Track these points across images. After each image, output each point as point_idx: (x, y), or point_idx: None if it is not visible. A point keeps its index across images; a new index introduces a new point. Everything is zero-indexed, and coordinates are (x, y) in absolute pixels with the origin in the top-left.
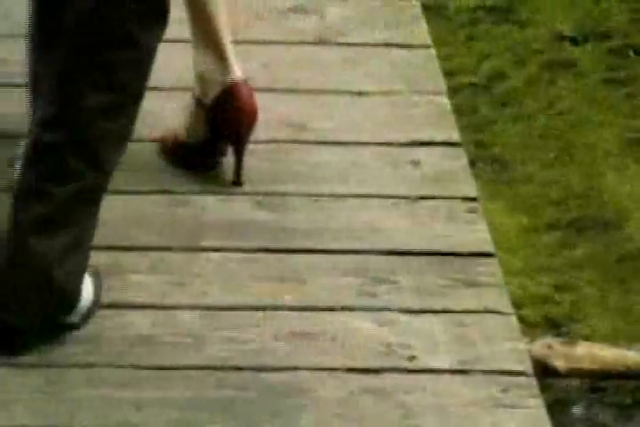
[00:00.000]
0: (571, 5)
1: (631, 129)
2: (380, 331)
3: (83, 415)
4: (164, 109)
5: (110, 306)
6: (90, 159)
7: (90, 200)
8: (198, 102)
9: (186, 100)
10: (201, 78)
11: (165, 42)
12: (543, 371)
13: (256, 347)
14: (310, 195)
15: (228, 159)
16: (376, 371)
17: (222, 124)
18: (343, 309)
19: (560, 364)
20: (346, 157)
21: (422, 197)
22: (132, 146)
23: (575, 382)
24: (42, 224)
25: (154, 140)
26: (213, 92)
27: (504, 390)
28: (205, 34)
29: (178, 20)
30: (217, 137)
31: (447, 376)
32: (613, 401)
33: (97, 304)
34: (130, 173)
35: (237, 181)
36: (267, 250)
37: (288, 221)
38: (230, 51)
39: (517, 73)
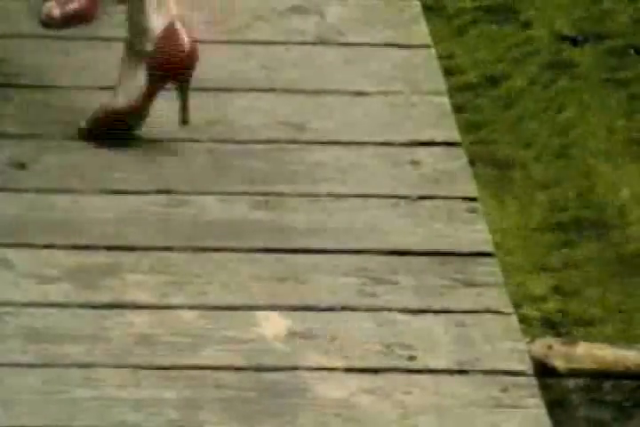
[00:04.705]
0: (571, 5)
1: (631, 129)
2: (379, 331)
3: (82, 415)
4: (161, 109)
5: (110, 306)
6: None
7: None
8: (138, 53)
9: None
10: (140, 28)
11: None
12: (543, 371)
13: (256, 347)
14: (310, 195)
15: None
16: (376, 371)
17: (165, 65)
18: (343, 309)
19: (560, 364)
20: (345, 157)
21: (422, 197)
22: (131, 146)
23: (575, 382)
24: None
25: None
26: (154, 37)
27: (504, 390)
28: None
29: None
30: (155, 87)
31: (447, 376)
32: (613, 401)
33: None
34: (130, 173)
35: (185, 120)
36: (267, 250)
37: (288, 221)
38: None
39: (517, 73)
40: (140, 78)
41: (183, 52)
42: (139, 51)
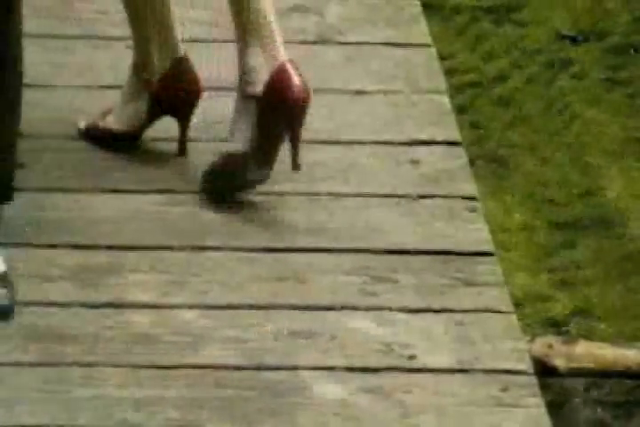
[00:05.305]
0: (571, 5)
1: (631, 128)
2: (380, 330)
3: (83, 415)
4: None
5: (110, 306)
6: None
7: None
8: (143, 80)
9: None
10: (144, 59)
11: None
12: (543, 370)
13: (256, 346)
14: (310, 194)
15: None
16: (376, 370)
17: (169, 101)
18: (343, 308)
19: (560, 363)
20: (346, 157)
21: (422, 197)
22: (131, 146)
23: (575, 382)
24: None
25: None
26: (159, 71)
27: (504, 390)
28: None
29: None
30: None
31: (447, 375)
32: (613, 400)
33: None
34: (130, 173)
35: (182, 151)
36: (267, 250)
37: (288, 220)
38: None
39: (517, 73)
40: (142, 105)
41: (187, 91)
42: (144, 79)
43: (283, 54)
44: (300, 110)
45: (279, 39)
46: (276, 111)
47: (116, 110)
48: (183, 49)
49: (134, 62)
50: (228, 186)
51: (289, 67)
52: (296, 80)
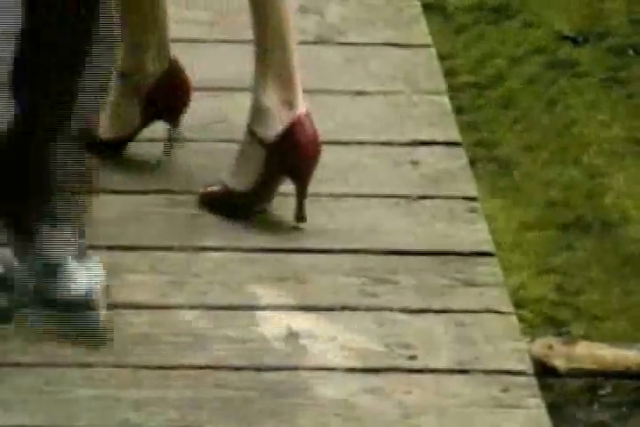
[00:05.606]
0: (571, 5)
1: (631, 128)
2: (380, 331)
3: (83, 415)
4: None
5: (110, 306)
6: None
7: None
8: (134, 84)
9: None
10: (139, 63)
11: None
12: (543, 371)
13: (256, 347)
14: (310, 195)
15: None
16: (376, 371)
17: (163, 103)
18: (343, 309)
19: (560, 363)
20: (346, 157)
21: (422, 197)
22: (131, 146)
23: (575, 382)
24: None
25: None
26: (154, 74)
27: (504, 390)
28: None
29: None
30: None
31: (447, 376)
32: (613, 401)
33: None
34: (130, 173)
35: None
36: (267, 250)
37: (288, 221)
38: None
39: (517, 73)
40: (134, 109)
41: (182, 90)
42: (135, 83)
43: (300, 101)
44: (310, 166)
45: (298, 80)
46: (286, 163)
47: (108, 119)
48: (172, 49)
49: (123, 67)
50: (228, 214)
51: (304, 121)
52: (310, 136)
